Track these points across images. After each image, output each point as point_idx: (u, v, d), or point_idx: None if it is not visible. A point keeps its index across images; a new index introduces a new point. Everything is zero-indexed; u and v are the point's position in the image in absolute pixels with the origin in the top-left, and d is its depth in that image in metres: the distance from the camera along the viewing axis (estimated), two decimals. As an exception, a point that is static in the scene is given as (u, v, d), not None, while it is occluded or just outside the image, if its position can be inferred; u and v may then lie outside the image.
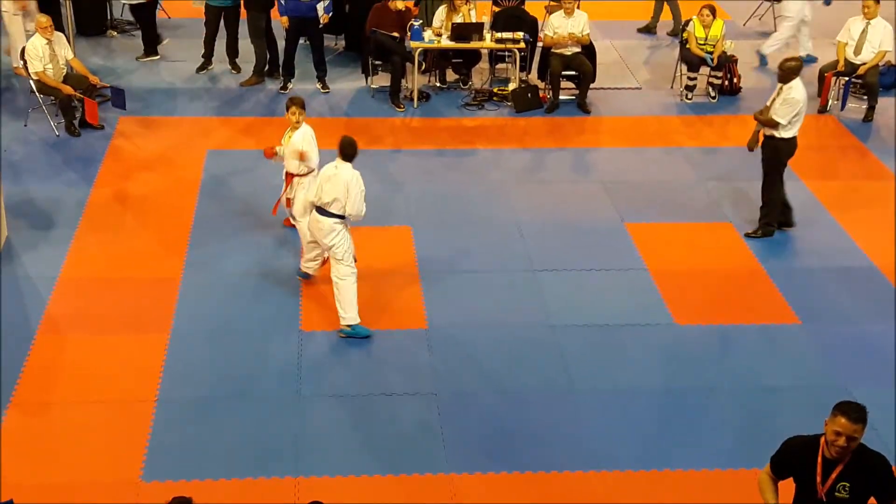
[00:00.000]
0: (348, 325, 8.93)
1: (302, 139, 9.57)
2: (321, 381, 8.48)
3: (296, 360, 8.69)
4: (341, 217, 8.76)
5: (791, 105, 10.04)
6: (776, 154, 10.33)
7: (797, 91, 10.07)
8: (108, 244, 10.23)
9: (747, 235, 10.64)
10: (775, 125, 10.12)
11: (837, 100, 13.52)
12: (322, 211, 8.78)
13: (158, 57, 14.61)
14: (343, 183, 8.63)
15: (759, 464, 7.50)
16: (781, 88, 10.15)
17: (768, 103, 10.27)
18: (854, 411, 5.51)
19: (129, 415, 8.01)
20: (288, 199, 9.85)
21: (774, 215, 10.62)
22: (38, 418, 7.95)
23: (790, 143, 10.26)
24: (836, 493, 5.63)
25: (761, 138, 10.45)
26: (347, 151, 8.72)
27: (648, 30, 16.33)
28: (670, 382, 8.58)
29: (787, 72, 10.12)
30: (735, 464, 7.68)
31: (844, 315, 9.51)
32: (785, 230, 10.73)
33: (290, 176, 9.74)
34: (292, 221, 10.06)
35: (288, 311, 9.29)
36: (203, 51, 14.29)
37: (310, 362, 8.67)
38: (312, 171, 9.61)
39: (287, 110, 9.64)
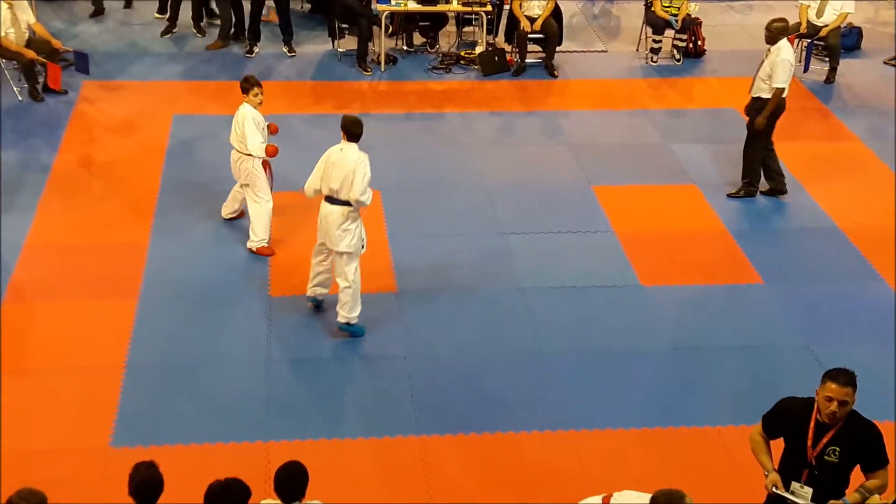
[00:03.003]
0: (349, 323, 8.57)
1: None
2: (290, 346, 8.51)
3: (265, 325, 8.70)
4: (349, 204, 8.23)
5: (784, 66, 10.13)
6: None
7: (786, 51, 10.19)
8: (73, 210, 10.17)
9: (729, 196, 10.73)
10: (781, 93, 10.18)
11: (800, 62, 13.57)
12: (331, 199, 8.27)
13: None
14: (350, 166, 8.13)
15: (725, 422, 7.69)
16: (769, 51, 10.23)
17: (758, 70, 10.32)
18: (842, 375, 5.57)
19: (98, 381, 7.99)
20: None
21: (757, 175, 10.70)
22: (5, 386, 7.91)
23: (779, 104, 10.31)
24: (826, 457, 5.68)
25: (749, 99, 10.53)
26: (353, 131, 8.18)
27: None
28: (637, 343, 8.67)
29: (775, 32, 10.23)
30: (700, 422, 7.78)
31: (807, 275, 9.63)
32: (779, 197, 10.77)
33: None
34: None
35: (256, 276, 9.29)
36: (168, 14, 14.16)
37: (279, 327, 8.69)
38: None
39: (248, 93, 9.15)
